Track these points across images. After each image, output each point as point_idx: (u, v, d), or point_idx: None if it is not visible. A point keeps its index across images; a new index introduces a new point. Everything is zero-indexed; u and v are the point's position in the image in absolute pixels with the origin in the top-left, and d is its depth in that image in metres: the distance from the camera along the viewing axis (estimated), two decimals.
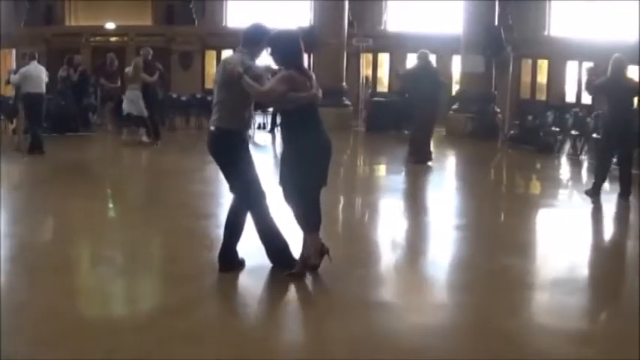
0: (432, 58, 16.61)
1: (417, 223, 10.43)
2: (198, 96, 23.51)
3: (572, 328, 5.96)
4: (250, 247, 7.39)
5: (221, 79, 7.03)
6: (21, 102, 16.68)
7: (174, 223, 9.56)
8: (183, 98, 23.23)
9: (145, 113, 17.71)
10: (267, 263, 7.23)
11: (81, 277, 7.62)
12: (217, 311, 6.43)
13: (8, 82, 18.44)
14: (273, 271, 7.11)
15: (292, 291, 6.88)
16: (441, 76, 16.47)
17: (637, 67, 16.54)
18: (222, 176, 7.31)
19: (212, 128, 7.16)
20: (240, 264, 7.26)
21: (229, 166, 7.11)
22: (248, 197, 7.11)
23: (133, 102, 17.78)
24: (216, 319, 6.17)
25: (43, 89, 16.35)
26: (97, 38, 28.09)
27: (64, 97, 20.20)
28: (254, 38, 7.11)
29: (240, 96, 6.86)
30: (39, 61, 17.16)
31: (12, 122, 21.92)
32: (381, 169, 15.88)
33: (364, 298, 6.60)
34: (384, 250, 8.92)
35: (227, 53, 24.88)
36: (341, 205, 11.75)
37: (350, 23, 23.56)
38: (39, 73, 16.35)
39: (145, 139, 17.90)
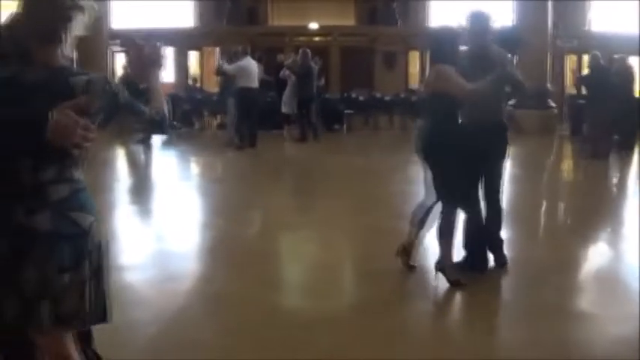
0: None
1: (617, 229, 9.97)
2: (402, 96, 23.52)
3: None
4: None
5: None
6: (234, 96, 17.11)
7: (373, 221, 9.58)
8: (387, 98, 23.34)
9: (292, 111, 18.60)
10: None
11: (277, 270, 7.79)
12: (413, 312, 6.37)
13: (218, 73, 18.92)
14: (471, 274, 6.98)
15: (487, 294, 6.79)
16: (611, 75, 16.77)
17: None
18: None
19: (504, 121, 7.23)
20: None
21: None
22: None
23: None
24: (412, 319, 6.13)
25: (257, 84, 16.80)
26: (301, 38, 28.53)
27: (270, 94, 20.72)
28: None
29: None
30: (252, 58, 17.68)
31: (216, 118, 22.68)
32: (585, 173, 15.32)
33: (559, 305, 6.38)
34: (583, 256, 8.57)
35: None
36: (542, 210, 11.45)
37: (554, 24, 22.92)
38: (254, 68, 16.81)
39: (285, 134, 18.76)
